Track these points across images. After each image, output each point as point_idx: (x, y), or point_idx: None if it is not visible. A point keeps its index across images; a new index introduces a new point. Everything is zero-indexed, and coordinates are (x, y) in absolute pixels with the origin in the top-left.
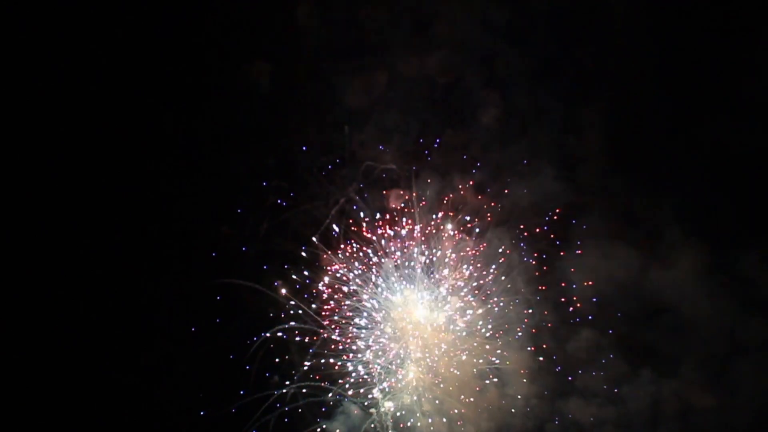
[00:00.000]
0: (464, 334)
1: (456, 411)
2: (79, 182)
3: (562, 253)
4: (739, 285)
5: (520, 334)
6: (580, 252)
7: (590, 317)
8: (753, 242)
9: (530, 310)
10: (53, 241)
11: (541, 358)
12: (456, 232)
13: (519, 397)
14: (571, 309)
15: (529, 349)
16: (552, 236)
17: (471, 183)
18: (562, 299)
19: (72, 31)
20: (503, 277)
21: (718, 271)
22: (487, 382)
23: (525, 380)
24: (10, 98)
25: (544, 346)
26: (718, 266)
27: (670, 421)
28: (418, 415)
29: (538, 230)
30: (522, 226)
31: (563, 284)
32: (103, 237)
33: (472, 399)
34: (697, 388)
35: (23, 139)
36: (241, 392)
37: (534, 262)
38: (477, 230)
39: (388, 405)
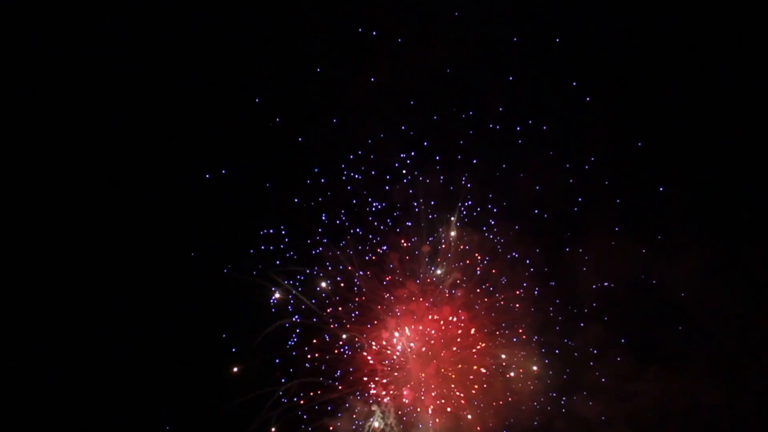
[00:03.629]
0: (469, 329)
1: (461, 407)
2: (79, 181)
3: (568, 249)
4: (749, 281)
5: (522, 328)
6: (586, 247)
7: (597, 313)
8: (762, 238)
9: (535, 303)
10: (54, 240)
11: (547, 355)
12: (461, 225)
13: (526, 392)
14: (577, 305)
15: (535, 345)
16: (558, 231)
17: (476, 177)
18: (569, 295)
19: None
20: (509, 273)
21: (727, 267)
22: (488, 375)
23: (532, 376)
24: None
25: (549, 342)
26: (726, 262)
27: (678, 418)
28: (421, 411)
29: (544, 225)
30: (529, 219)
31: (570, 280)
32: (103, 236)
33: (477, 395)
34: (705, 385)
35: (24, 138)
36: (245, 389)
37: (540, 257)
38: (482, 224)
39: (390, 401)
